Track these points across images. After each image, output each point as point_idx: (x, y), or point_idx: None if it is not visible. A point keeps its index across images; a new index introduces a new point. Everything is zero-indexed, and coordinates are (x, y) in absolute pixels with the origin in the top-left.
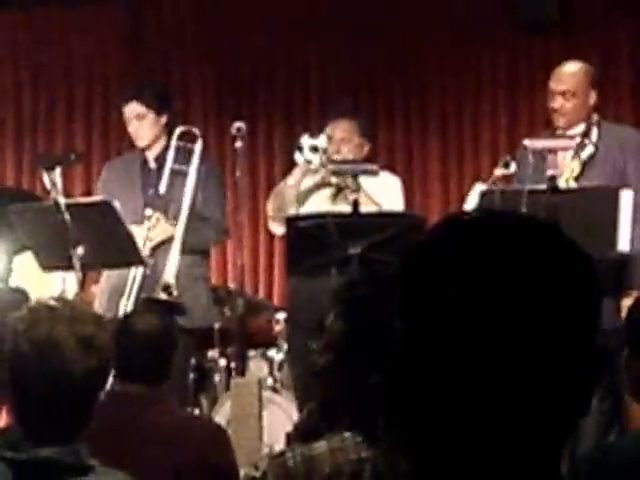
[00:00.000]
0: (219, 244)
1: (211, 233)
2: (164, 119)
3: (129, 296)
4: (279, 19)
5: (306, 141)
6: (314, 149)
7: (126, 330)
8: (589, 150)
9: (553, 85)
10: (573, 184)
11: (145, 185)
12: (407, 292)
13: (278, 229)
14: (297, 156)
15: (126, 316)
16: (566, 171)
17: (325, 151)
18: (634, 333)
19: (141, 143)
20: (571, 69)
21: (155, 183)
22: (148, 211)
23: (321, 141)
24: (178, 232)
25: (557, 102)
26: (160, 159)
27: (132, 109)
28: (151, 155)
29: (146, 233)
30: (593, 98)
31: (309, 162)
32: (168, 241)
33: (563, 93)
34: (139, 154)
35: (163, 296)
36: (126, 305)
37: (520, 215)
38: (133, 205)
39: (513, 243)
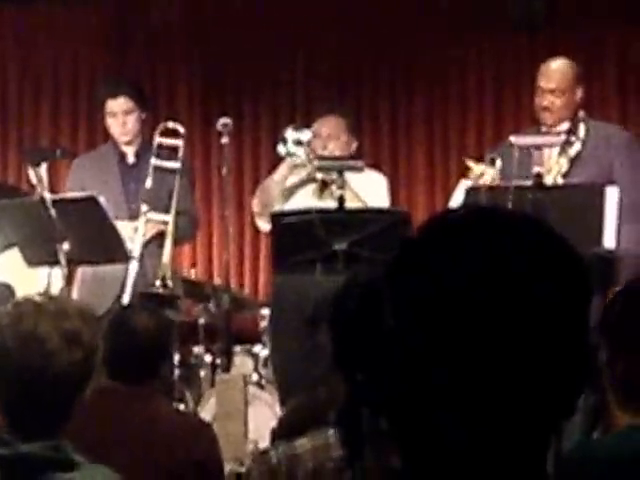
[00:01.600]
0: (199, 237)
1: (188, 227)
2: (144, 116)
3: (122, 290)
4: (265, 15)
5: (290, 134)
6: (298, 142)
7: (122, 326)
8: (576, 147)
9: (542, 83)
10: (560, 181)
11: (125, 180)
12: (396, 292)
13: (264, 225)
14: (280, 148)
15: (121, 311)
16: (554, 168)
17: (309, 144)
18: (613, 332)
19: (125, 138)
20: (559, 66)
21: (136, 178)
22: (144, 207)
23: (305, 135)
24: (170, 226)
25: (547, 100)
26: (140, 154)
27: (120, 104)
28: (130, 150)
29: (144, 228)
30: (579, 94)
31: (291, 155)
32: (156, 236)
33: (552, 91)
34: (113, 149)
35: (160, 289)
36: (118, 299)
37: (508, 211)
38: (113, 200)
39: (503, 240)
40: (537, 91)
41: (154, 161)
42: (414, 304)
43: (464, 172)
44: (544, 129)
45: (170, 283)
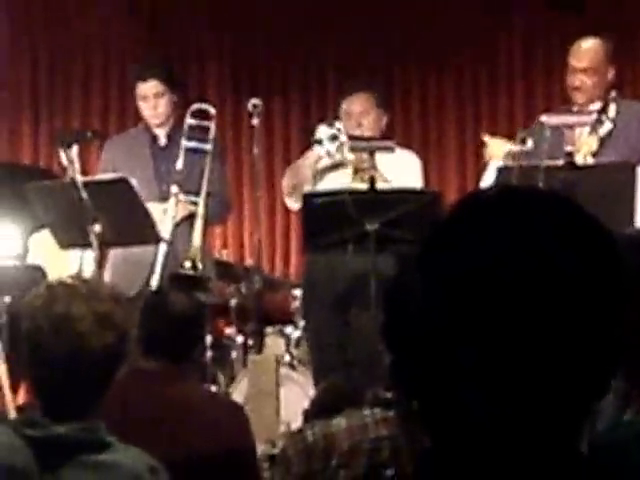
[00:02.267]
0: (231, 219)
1: (218, 209)
2: (175, 98)
3: (152, 272)
4: None
5: (324, 131)
6: (333, 138)
7: (158, 308)
8: (607, 127)
9: (574, 62)
10: (590, 160)
11: (156, 162)
12: (428, 272)
13: (293, 204)
14: (317, 149)
15: (156, 292)
16: (583, 147)
17: (344, 133)
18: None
19: (157, 120)
20: (591, 45)
21: (167, 160)
22: (174, 188)
23: (338, 127)
24: (200, 209)
25: (578, 79)
26: (171, 136)
27: (152, 87)
28: (162, 132)
29: (174, 210)
30: (611, 74)
31: (332, 154)
32: (186, 218)
33: (584, 70)
34: (144, 131)
35: (190, 272)
36: (148, 281)
37: (538, 190)
38: (145, 182)
39: (532, 218)
40: (568, 70)
41: (185, 143)
42: (444, 283)
43: (481, 148)
44: (576, 108)
45: (200, 265)
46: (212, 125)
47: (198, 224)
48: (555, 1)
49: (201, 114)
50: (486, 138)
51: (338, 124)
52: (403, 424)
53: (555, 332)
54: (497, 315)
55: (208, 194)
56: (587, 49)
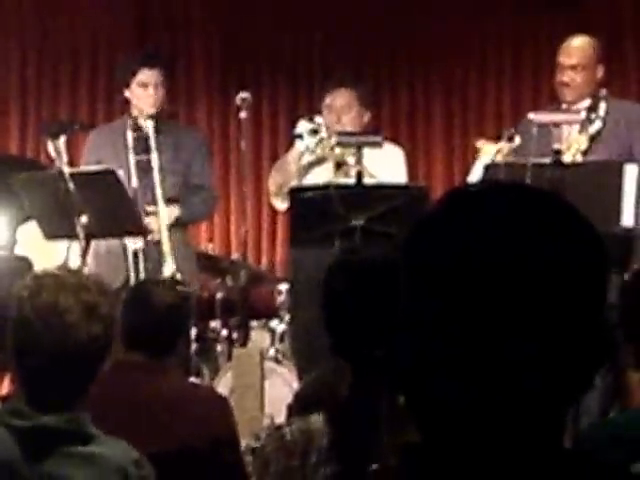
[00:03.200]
0: (217, 212)
1: (204, 207)
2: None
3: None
4: None
5: (304, 126)
6: (313, 132)
7: (140, 300)
8: (597, 125)
9: (563, 59)
10: (580, 158)
11: (139, 151)
12: (411, 266)
13: (280, 205)
14: (299, 144)
15: (140, 285)
16: (573, 145)
17: (324, 127)
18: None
19: (153, 109)
20: (580, 43)
21: (148, 149)
22: (150, 208)
23: (318, 122)
24: (161, 220)
25: (567, 76)
26: (157, 127)
27: (156, 75)
28: (150, 124)
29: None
30: (600, 72)
31: (312, 149)
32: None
33: (573, 67)
34: (129, 121)
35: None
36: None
37: (526, 187)
38: (126, 170)
39: (519, 215)
40: (557, 67)
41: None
42: (428, 279)
43: (475, 153)
44: (564, 106)
45: (179, 276)
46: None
47: (164, 237)
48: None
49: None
50: (479, 143)
51: (318, 119)
52: (386, 422)
53: (536, 325)
54: (477, 308)
55: (195, 187)
56: (577, 46)
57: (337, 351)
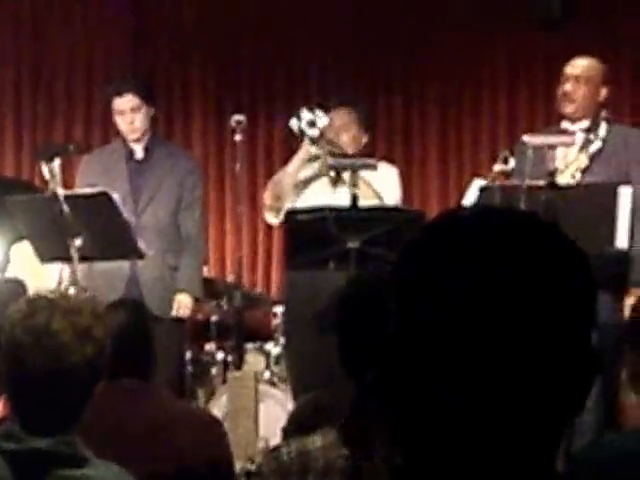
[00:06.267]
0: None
1: (196, 263)
2: (152, 111)
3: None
4: (279, 13)
5: (305, 114)
6: (311, 124)
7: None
8: (596, 145)
9: (568, 69)
10: (579, 176)
11: (132, 176)
12: (403, 287)
13: (272, 219)
14: (293, 122)
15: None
16: (573, 163)
17: (323, 132)
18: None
19: (134, 136)
20: (587, 59)
21: (144, 174)
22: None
23: (318, 115)
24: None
25: (569, 85)
26: (149, 149)
27: (128, 101)
28: (139, 147)
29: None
30: (603, 94)
31: (302, 133)
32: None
33: (577, 77)
34: (121, 145)
35: None
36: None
37: (518, 212)
38: (122, 197)
39: (509, 240)
40: (561, 80)
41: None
42: (419, 300)
43: (477, 173)
44: (563, 126)
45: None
46: None
47: None
48: (538, 21)
49: None
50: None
51: (319, 112)
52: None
53: (523, 346)
54: (463, 331)
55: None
56: (583, 60)
57: (345, 366)
